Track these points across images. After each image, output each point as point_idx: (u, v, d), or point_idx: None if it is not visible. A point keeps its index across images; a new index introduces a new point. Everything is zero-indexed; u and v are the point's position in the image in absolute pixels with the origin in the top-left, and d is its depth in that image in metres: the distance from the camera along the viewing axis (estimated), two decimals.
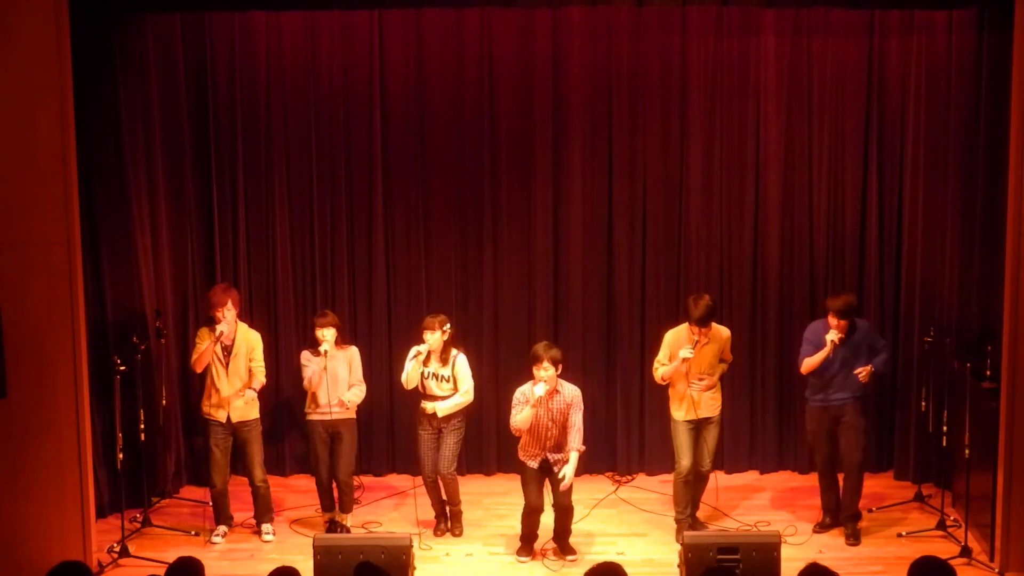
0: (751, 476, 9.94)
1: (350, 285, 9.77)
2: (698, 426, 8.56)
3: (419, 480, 9.04)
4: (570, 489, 8.30)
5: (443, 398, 8.59)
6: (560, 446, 8.26)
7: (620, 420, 9.89)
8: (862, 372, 8.43)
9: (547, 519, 8.47)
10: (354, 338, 9.22)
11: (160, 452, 9.32)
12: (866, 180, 9.62)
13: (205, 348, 8.45)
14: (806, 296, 9.75)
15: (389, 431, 9.87)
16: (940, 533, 8.65)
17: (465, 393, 8.63)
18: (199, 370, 8.56)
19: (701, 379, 8.48)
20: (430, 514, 8.91)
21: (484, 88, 9.56)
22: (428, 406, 8.56)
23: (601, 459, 9.90)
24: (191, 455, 9.68)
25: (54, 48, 7.62)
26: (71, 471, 7.91)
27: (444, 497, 8.85)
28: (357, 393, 8.72)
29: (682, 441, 8.53)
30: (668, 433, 8.72)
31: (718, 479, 9.21)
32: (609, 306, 9.84)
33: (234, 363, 8.55)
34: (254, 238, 9.66)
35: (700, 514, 8.83)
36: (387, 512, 9.28)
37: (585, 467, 9.79)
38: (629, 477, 9.90)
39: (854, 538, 8.61)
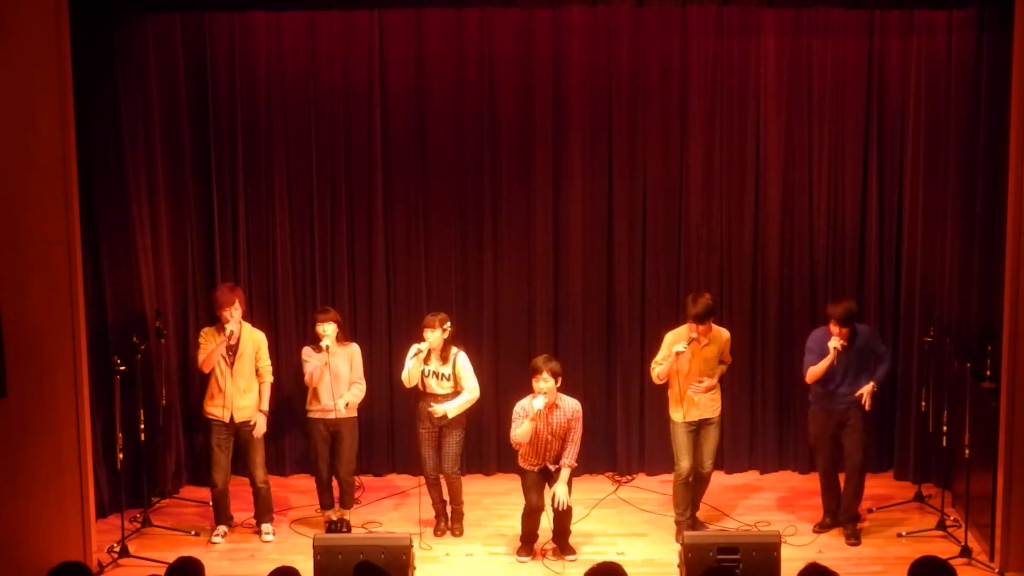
0: (751, 476, 9.94)
1: (350, 285, 9.77)
2: (697, 427, 8.55)
3: (420, 479, 9.05)
4: (569, 488, 8.30)
5: (443, 396, 8.60)
6: (560, 458, 8.27)
7: (620, 420, 9.89)
8: (864, 395, 8.42)
9: (547, 518, 8.47)
10: (354, 338, 9.21)
11: (160, 452, 9.33)
12: (866, 180, 9.62)
13: (214, 348, 8.45)
14: (806, 297, 9.75)
15: (389, 431, 9.87)
16: (940, 533, 8.64)
17: (471, 391, 8.64)
18: (207, 370, 8.56)
19: (701, 381, 8.48)
20: (430, 513, 8.91)
21: (484, 88, 9.56)
22: (437, 409, 8.55)
23: (601, 459, 9.90)
24: (191, 455, 9.68)
25: (54, 48, 7.62)
26: (71, 471, 7.91)
27: (445, 497, 8.85)
28: (356, 393, 8.72)
29: (681, 443, 8.53)
30: (668, 433, 8.71)
31: (716, 478, 9.22)
32: (609, 306, 9.84)
33: (239, 363, 8.55)
34: (254, 238, 9.66)
35: (700, 514, 8.82)
36: (387, 512, 9.28)
37: (585, 467, 9.79)
38: (629, 477, 9.90)
39: (854, 538, 8.61)
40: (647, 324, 9.69)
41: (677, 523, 8.63)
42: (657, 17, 9.45)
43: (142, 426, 8.78)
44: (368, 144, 9.60)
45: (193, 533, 8.80)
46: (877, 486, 9.49)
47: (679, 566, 7.50)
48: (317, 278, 9.74)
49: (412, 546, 7.40)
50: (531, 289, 9.79)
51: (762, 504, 9.37)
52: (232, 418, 8.57)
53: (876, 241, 9.65)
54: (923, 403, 9.21)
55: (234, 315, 8.47)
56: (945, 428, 8.75)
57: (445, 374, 8.60)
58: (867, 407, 8.47)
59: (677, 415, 8.53)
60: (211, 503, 8.85)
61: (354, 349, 8.80)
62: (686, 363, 8.41)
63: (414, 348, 8.61)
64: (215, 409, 8.59)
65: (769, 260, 9.74)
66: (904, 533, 8.72)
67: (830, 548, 8.51)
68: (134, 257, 9.08)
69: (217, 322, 8.58)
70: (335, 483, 8.88)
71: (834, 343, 8.37)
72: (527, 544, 8.46)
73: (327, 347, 8.52)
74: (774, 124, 9.59)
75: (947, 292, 9.35)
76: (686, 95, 9.59)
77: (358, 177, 9.66)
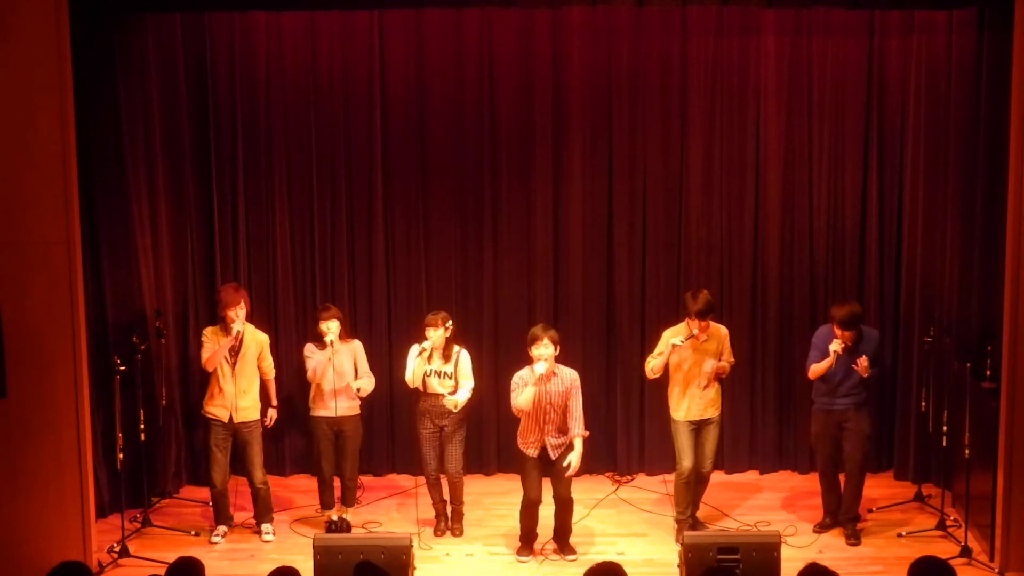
0: (751, 476, 9.94)
1: (350, 285, 9.77)
2: (698, 427, 8.56)
3: (420, 479, 9.05)
4: (570, 481, 8.32)
5: (443, 395, 8.61)
6: (561, 430, 8.25)
7: (620, 420, 9.89)
8: (861, 366, 8.41)
9: (547, 516, 8.47)
10: (353, 337, 9.21)
11: (160, 452, 9.33)
12: (866, 180, 9.62)
13: (219, 348, 8.46)
14: (806, 296, 9.75)
15: (389, 431, 9.88)
16: (940, 533, 8.65)
17: (469, 390, 8.67)
18: (210, 369, 8.56)
19: (703, 385, 8.49)
20: (430, 513, 8.91)
21: (484, 88, 9.56)
22: (448, 401, 8.57)
23: (601, 459, 9.90)
24: (191, 455, 9.68)
25: (54, 48, 7.62)
26: (71, 471, 7.91)
27: (445, 496, 8.86)
28: (368, 383, 8.75)
29: (683, 442, 8.53)
30: (668, 433, 8.72)
31: (716, 478, 9.22)
32: (609, 306, 9.84)
33: (241, 363, 8.56)
34: (254, 238, 9.66)
35: (700, 514, 8.83)
36: (387, 512, 9.28)
37: (585, 467, 9.75)
38: (629, 477, 9.90)
39: (854, 538, 8.61)
40: (647, 324, 9.69)
41: (677, 522, 8.64)
42: (657, 17, 9.45)
43: (142, 426, 8.78)
44: (368, 144, 9.60)
45: (193, 533, 8.80)
46: (877, 486, 9.49)
47: (679, 566, 7.50)
48: (317, 278, 9.74)
49: (412, 546, 7.40)
50: (531, 289, 9.79)
51: (762, 504, 9.37)
52: (231, 418, 8.57)
53: (876, 241, 9.65)
54: (923, 403, 9.21)
55: (239, 315, 8.48)
56: (945, 428, 8.75)
57: (448, 372, 8.61)
58: (862, 374, 8.41)
59: (678, 414, 8.54)
60: (210, 503, 8.86)
61: (357, 346, 8.81)
62: (688, 356, 8.42)
63: (415, 348, 8.62)
64: (215, 409, 8.59)
65: (769, 260, 9.74)
66: (904, 533, 8.72)
67: (830, 548, 8.51)
68: (134, 257, 9.09)
69: (219, 321, 8.58)
70: (336, 482, 8.87)
71: (835, 346, 8.37)
72: (527, 543, 8.46)
73: (331, 342, 8.53)
74: (774, 124, 9.59)
75: (947, 292, 9.34)
76: (686, 95, 9.59)
77: (358, 177, 9.66)
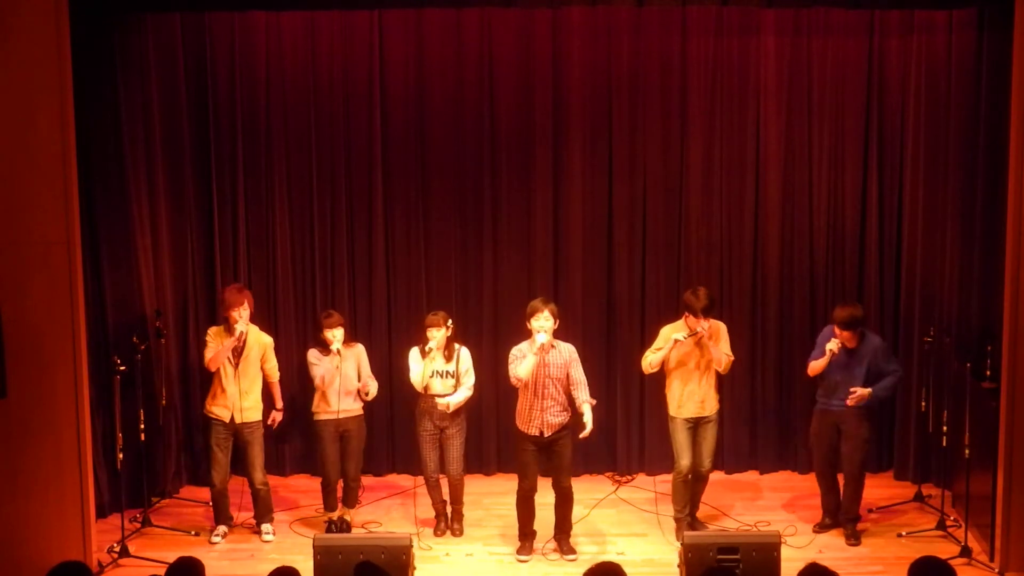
0: (751, 476, 9.94)
1: (350, 285, 9.78)
2: (695, 425, 8.56)
3: (420, 480, 9.05)
4: (569, 472, 8.35)
5: (444, 395, 8.61)
6: (562, 406, 8.25)
7: (620, 420, 9.89)
8: (853, 397, 8.41)
9: (547, 514, 8.48)
10: (354, 338, 9.22)
11: (160, 452, 9.33)
12: (866, 180, 9.62)
13: (222, 348, 8.46)
14: (806, 296, 9.75)
15: (389, 431, 9.88)
16: (940, 533, 8.64)
17: (470, 388, 8.68)
18: (213, 369, 8.57)
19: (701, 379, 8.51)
20: (430, 513, 8.91)
21: (484, 88, 9.56)
22: (441, 403, 8.57)
23: (601, 459, 9.90)
24: (191, 455, 9.69)
25: (54, 48, 7.62)
26: (71, 471, 7.91)
27: (445, 497, 8.86)
28: (375, 386, 8.78)
29: (681, 440, 8.54)
30: (668, 433, 8.71)
31: (716, 478, 9.22)
32: (609, 306, 9.84)
33: (244, 364, 8.56)
34: (254, 238, 9.66)
35: (700, 514, 8.83)
36: (387, 512, 9.28)
37: (585, 467, 9.81)
38: (629, 477, 9.90)
39: (854, 538, 8.61)
40: (647, 324, 9.68)
41: (676, 520, 8.65)
42: (657, 17, 9.45)
43: (142, 426, 8.78)
44: (368, 144, 9.60)
45: (193, 533, 8.80)
46: (877, 486, 9.49)
47: (679, 566, 7.50)
48: (317, 278, 9.74)
49: (412, 546, 7.39)
50: (531, 289, 9.77)
51: (762, 504, 9.37)
52: (233, 419, 8.57)
53: (876, 241, 9.65)
54: (923, 403, 9.22)
55: (243, 316, 8.48)
56: (945, 428, 8.75)
57: (450, 371, 8.62)
58: (849, 401, 8.43)
59: (676, 410, 8.54)
60: (210, 503, 8.86)
61: (360, 350, 8.82)
62: (688, 353, 8.43)
63: (415, 351, 8.64)
64: (217, 409, 8.59)
65: (769, 260, 9.74)
66: (904, 533, 8.72)
67: (830, 548, 8.51)
68: (134, 257, 9.09)
69: (223, 322, 8.58)
70: (339, 484, 8.87)
71: (831, 345, 8.40)
72: (527, 542, 8.46)
73: (338, 350, 8.55)
74: (774, 124, 9.60)
75: (947, 292, 9.34)
76: (686, 95, 9.59)
77: (358, 177, 9.66)
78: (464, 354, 8.68)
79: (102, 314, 8.93)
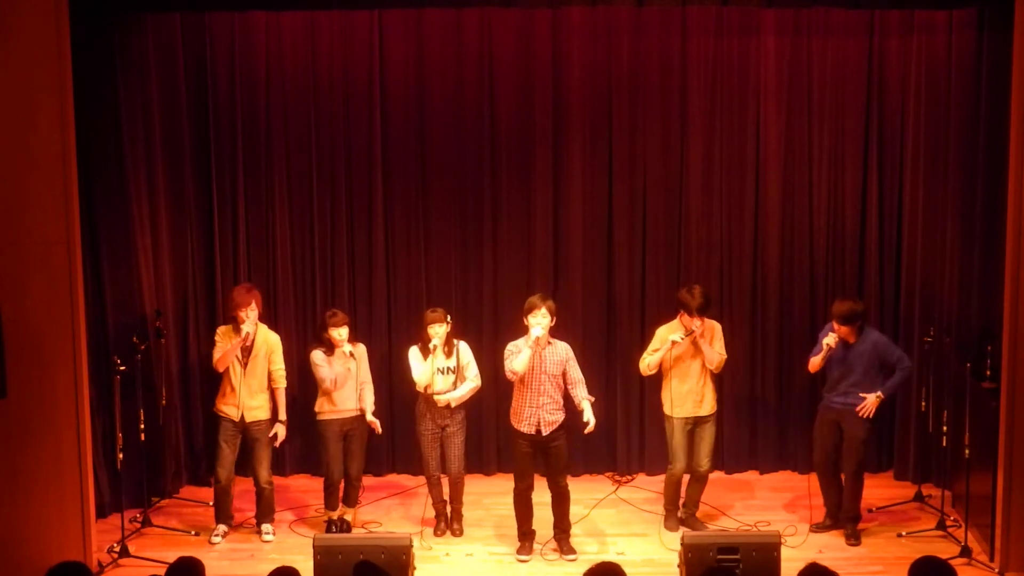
0: (751, 476, 9.94)
1: (350, 285, 9.78)
2: (692, 425, 8.57)
3: (421, 479, 9.05)
4: (566, 471, 8.38)
5: (444, 392, 8.61)
6: (557, 404, 8.26)
7: (620, 420, 9.89)
8: (863, 408, 8.42)
9: (547, 514, 8.48)
10: (354, 338, 9.22)
11: (160, 452, 9.32)
12: (866, 180, 9.62)
13: (230, 348, 8.46)
14: (806, 296, 9.75)
15: (389, 431, 9.85)
16: (940, 533, 8.64)
17: (475, 378, 8.70)
18: (221, 369, 8.57)
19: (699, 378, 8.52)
20: (430, 513, 8.91)
21: (484, 88, 9.56)
22: (441, 399, 8.57)
23: (601, 459, 9.90)
24: (191, 455, 9.69)
25: (54, 48, 7.62)
26: (71, 471, 7.91)
27: (446, 496, 8.86)
28: (372, 399, 8.78)
29: (677, 442, 8.56)
30: (666, 432, 8.72)
31: (716, 478, 9.21)
32: (609, 306, 9.84)
33: (252, 363, 8.56)
34: (254, 238, 9.66)
35: (700, 514, 8.83)
36: (387, 512, 9.29)
37: (585, 467, 9.81)
38: (629, 477, 9.90)
39: (854, 538, 8.61)
40: (647, 324, 9.66)
41: (667, 509, 8.74)
42: (657, 17, 9.45)
43: (142, 426, 8.79)
44: (368, 144, 9.60)
45: (193, 533, 8.80)
46: (877, 486, 9.49)
47: (679, 566, 7.49)
48: (317, 278, 9.74)
49: (412, 546, 7.39)
50: (531, 289, 9.74)
51: (762, 504, 9.37)
52: (243, 417, 8.58)
53: (876, 241, 9.65)
54: (923, 403, 9.21)
55: (250, 316, 8.48)
56: (945, 428, 8.75)
57: (450, 367, 8.63)
58: (863, 414, 8.46)
59: (672, 410, 8.55)
60: (212, 500, 8.86)
61: (362, 350, 8.82)
62: (684, 352, 8.42)
63: (415, 350, 8.64)
64: (227, 407, 8.60)
65: (769, 260, 9.74)
66: (904, 533, 8.72)
67: (830, 548, 8.51)
68: (134, 257, 9.09)
69: (231, 321, 8.58)
70: (342, 483, 8.87)
71: (828, 340, 8.40)
72: (526, 541, 8.46)
73: (351, 353, 8.56)
74: (774, 124, 9.60)
75: (947, 292, 9.34)
76: (686, 95, 9.59)
77: (358, 177, 9.66)
78: (463, 348, 8.70)
79: (102, 314, 8.93)
